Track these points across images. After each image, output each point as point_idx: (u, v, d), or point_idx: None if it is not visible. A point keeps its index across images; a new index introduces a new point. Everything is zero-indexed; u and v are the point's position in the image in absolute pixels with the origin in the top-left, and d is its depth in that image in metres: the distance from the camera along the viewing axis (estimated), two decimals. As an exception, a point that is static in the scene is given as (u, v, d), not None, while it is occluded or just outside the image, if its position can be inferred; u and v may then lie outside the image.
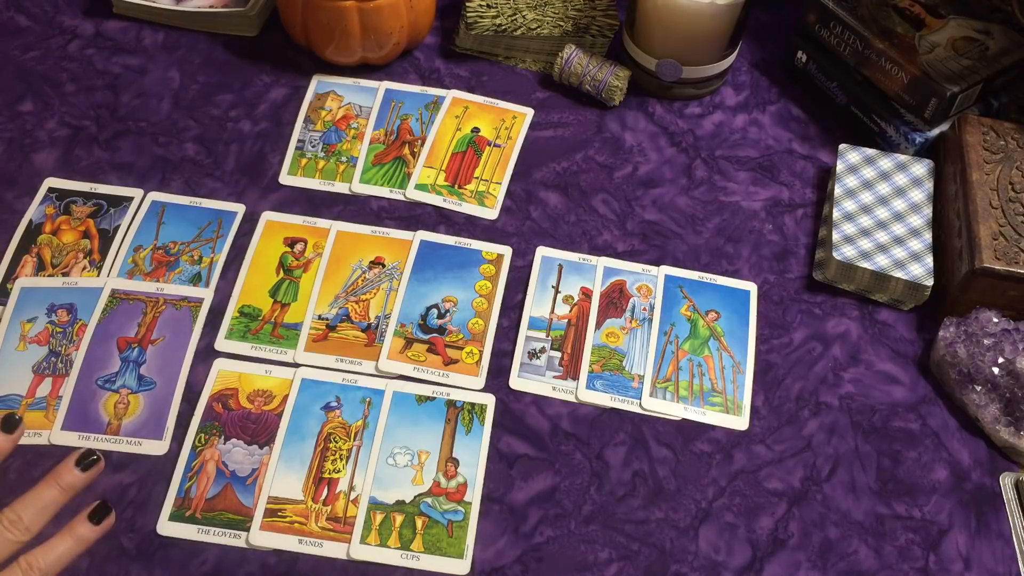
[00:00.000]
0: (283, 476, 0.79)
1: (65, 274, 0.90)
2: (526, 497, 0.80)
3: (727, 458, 0.83)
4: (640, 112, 1.05)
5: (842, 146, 0.97)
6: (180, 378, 0.84)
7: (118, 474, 0.79)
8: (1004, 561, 0.78)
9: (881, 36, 0.97)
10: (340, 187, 0.98)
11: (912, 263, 0.89)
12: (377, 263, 0.92)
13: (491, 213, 0.96)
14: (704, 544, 0.78)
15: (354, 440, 0.82)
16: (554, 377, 0.86)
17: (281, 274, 0.91)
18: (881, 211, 0.93)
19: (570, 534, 0.78)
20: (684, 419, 0.84)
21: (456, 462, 0.81)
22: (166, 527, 0.77)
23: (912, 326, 0.91)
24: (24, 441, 0.80)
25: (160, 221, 0.94)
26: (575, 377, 0.86)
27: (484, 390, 0.85)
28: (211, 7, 1.08)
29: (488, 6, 1.06)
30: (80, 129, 1.00)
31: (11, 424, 0.66)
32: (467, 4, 1.06)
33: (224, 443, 0.81)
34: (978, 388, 0.84)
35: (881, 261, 0.89)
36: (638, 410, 0.85)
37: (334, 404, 0.83)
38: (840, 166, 0.96)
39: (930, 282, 0.88)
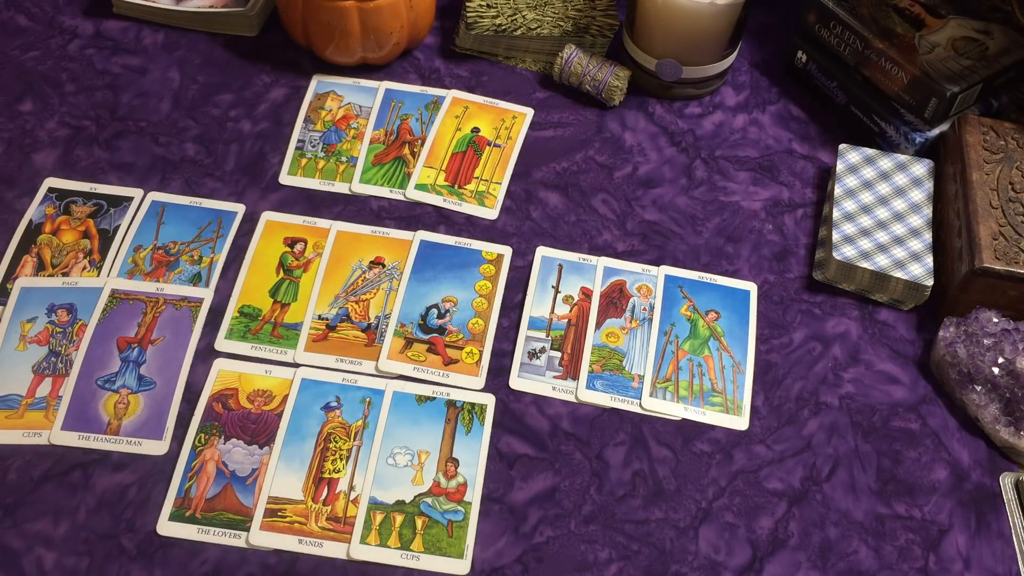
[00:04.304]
0: (283, 476, 0.79)
1: (65, 274, 0.90)
2: (526, 497, 0.80)
3: (727, 458, 0.83)
4: (640, 112, 1.05)
5: (842, 146, 0.97)
6: (180, 378, 0.84)
7: (118, 474, 0.79)
8: (1004, 561, 0.78)
9: (881, 36, 0.97)
10: (340, 187, 0.98)
11: (912, 263, 0.89)
12: (377, 263, 0.92)
13: (491, 213, 0.96)
14: (704, 544, 0.78)
15: (354, 440, 0.82)
16: (554, 377, 0.86)
17: (281, 274, 0.91)
18: (881, 211, 0.93)
19: (570, 534, 0.78)
20: (684, 419, 0.84)
21: (456, 462, 0.81)
22: (166, 527, 0.77)
23: (912, 326, 0.91)
24: (24, 441, 0.80)
25: (160, 221, 0.94)
26: (575, 377, 0.86)
27: (484, 390, 0.85)
28: (211, 7, 1.08)
29: (488, 6, 1.06)
30: (80, 129, 1.00)
31: None
32: (467, 4, 1.06)
33: (224, 443, 0.81)
34: (978, 388, 0.84)
35: (881, 261, 0.89)
36: (638, 410, 0.85)
37: (334, 404, 0.83)
38: (840, 166, 0.96)
39: (930, 282, 0.88)
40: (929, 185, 0.95)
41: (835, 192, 0.94)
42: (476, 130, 1.03)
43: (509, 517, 0.79)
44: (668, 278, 0.92)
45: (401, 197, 0.97)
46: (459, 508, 0.79)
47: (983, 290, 0.86)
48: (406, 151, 1.01)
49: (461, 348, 0.87)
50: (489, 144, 1.02)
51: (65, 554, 0.75)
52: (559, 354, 0.87)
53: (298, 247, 0.93)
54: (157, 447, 0.81)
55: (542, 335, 0.89)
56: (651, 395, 0.85)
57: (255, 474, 0.80)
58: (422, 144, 1.01)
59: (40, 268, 0.90)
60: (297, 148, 1.00)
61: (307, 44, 1.04)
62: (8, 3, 1.11)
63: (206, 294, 0.89)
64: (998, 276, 0.84)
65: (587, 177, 0.99)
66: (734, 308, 0.91)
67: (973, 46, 0.96)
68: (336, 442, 0.81)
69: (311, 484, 0.79)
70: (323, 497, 0.79)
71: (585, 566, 0.77)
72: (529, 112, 1.04)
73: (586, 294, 0.91)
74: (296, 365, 0.86)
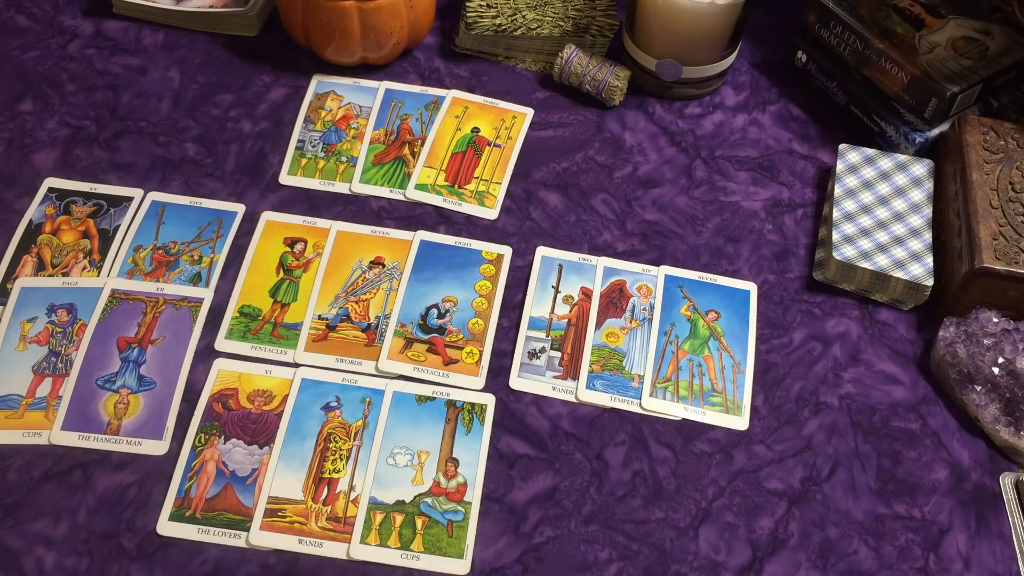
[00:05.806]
0: (283, 476, 0.79)
1: (65, 274, 0.90)
2: (526, 497, 0.80)
3: (727, 458, 0.83)
4: (640, 112, 1.05)
5: (842, 146, 0.97)
6: (180, 378, 0.84)
7: (118, 474, 0.79)
8: (1004, 561, 0.78)
9: (881, 36, 0.97)
10: (340, 187, 0.98)
11: (912, 263, 0.89)
12: (377, 263, 0.92)
13: (491, 213, 0.96)
14: (704, 544, 0.78)
15: (354, 440, 0.82)
16: (554, 377, 0.86)
17: (281, 274, 0.91)
18: (881, 211, 0.93)
19: (570, 534, 0.78)
20: (684, 419, 0.84)
21: (456, 462, 0.81)
22: (166, 527, 0.77)
23: (912, 326, 0.91)
24: (24, 441, 0.80)
25: (160, 221, 0.94)
26: (575, 377, 0.86)
27: (484, 390, 0.85)
28: (211, 7, 1.08)
29: (488, 6, 1.06)
30: (80, 129, 1.00)
31: None
32: (467, 4, 1.06)
33: (224, 443, 0.81)
34: (978, 388, 0.84)
35: (881, 261, 0.89)
36: (638, 410, 0.85)
37: (334, 404, 0.83)
38: (840, 166, 0.96)
39: (930, 282, 0.88)
40: (929, 185, 0.95)
41: (835, 192, 0.94)
42: (476, 130, 1.03)
43: (509, 517, 0.79)
44: (668, 278, 0.92)
45: (401, 197, 0.97)
46: (459, 508, 0.79)
47: (983, 290, 0.86)
48: (406, 151, 1.01)
49: (461, 348, 0.87)
50: (489, 144, 1.02)
51: (65, 554, 0.75)
52: (559, 354, 0.87)
53: (298, 247, 0.93)
54: (157, 447, 0.81)
55: (542, 335, 0.89)
56: (651, 395, 0.85)
57: (255, 474, 0.80)
58: (422, 144, 1.01)
59: (40, 268, 0.90)
60: (297, 148, 1.00)
61: (307, 44, 1.04)
62: (8, 3, 1.11)
63: (206, 294, 0.89)
64: (998, 276, 0.84)
65: (587, 177, 0.99)
66: (734, 308, 0.91)
67: (973, 46, 0.96)
68: (336, 442, 0.81)
69: (311, 484, 0.79)
70: (323, 497, 0.79)
71: (585, 566, 0.77)
72: (529, 112, 1.04)
73: (586, 294, 0.91)
74: (296, 365, 0.86)
